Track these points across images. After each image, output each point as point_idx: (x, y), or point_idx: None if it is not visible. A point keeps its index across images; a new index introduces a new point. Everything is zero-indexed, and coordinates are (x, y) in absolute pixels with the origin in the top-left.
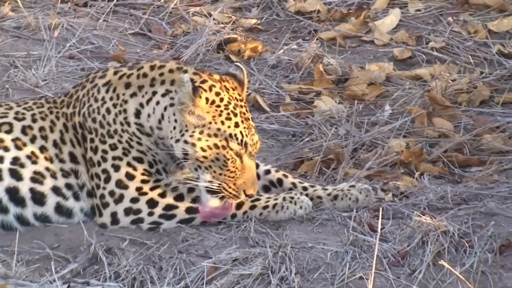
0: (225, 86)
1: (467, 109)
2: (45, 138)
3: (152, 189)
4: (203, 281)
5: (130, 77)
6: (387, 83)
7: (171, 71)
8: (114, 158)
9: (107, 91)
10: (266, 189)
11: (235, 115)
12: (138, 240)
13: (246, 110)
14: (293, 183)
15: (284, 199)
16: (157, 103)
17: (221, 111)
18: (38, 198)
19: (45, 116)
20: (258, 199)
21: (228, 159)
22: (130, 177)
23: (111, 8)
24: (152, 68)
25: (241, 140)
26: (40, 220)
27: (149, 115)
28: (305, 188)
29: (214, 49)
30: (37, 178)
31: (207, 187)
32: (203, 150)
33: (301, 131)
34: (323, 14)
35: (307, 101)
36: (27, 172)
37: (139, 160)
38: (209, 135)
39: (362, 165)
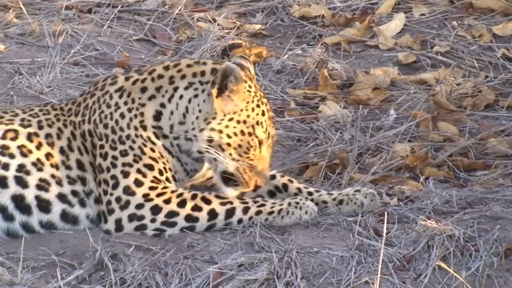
0: (248, 75)
1: (472, 113)
2: (51, 145)
3: (158, 195)
4: (208, 287)
5: (144, 82)
6: (392, 87)
7: (189, 65)
8: (124, 164)
9: (120, 97)
10: (271, 194)
11: (263, 103)
12: (143, 246)
13: (267, 101)
14: (298, 188)
15: (289, 204)
16: (181, 97)
17: (253, 97)
18: (44, 206)
19: (52, 123)
20: (263, 205)
21: (252, 146)
22: (139, 183)
23: (115, 14)
24: (166, 68)
25: (266, 129)
26: (46, 227)
27: (171, 112)
28: (310, 193)
29: (219, 54)
30: (42, 185)
31: (222, 177)
32: (229, 136)
33: (306, 136)
34: (327, 19)
35: (312, 106)
36: (32, 180)
37: (150, 167)
38: (238, 122)
39: (367, 170)
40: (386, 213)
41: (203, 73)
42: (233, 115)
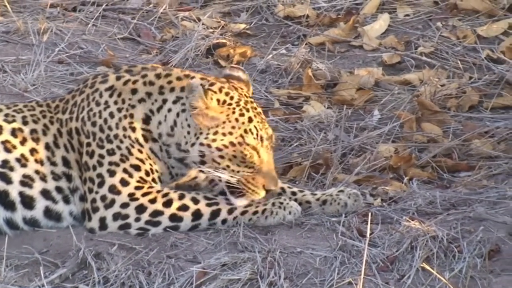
0: (233, 85)
1: (456, 114)
2: (36, 140)
3: (144, 195)
4: (192, 286)
5: (136, 83)
6: (376, 88)
7: (178, 78)
8: (110, 163)
9: (110, 96)
10: None
11: (247, 110)
12: (127, 245)
13: (257, 106)
14: (282, 188)
15: (273, 204)
16: (169, 110)
17: (234, 108)
18: (28, 202)
19: (37, 119)
20: (249, 205)
21: (246, 155)
22: (125, 183)
23: (100, 13)
24: (158, 76)
25: (257, 134)
26: (30, 224)
27: (160, 122)
28: (294, 193)
29: (203, 54)
30: (26, 181)
31: (228, 186)
32: (219, 149)
33: (290, 136)
34: (312, 19)
35: (296, 106)
36: (16, 176)
37: (136, 168)
38: (223, 134)
39: (351, 170)
40: (369, 213)
41: None
42: (216, 129)
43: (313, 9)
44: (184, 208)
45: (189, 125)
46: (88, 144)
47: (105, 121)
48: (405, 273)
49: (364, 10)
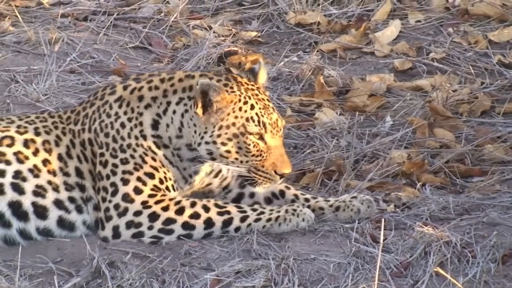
0: (232, 76)
1: (468, 120)
2: (48, 151)
3: (157, 202)
4: None
5: (141, 90)
6: (388, 94)
7: (180, 80)
8: (124, 172)
9: (120, 106)
10: (269, 201)
11: (248, 97)
12: (140, 253)
13: (260, 92)
14: (295, 195)
15: (286, 211)
16: (174, 112)
17: (239, 96)
18: (41, 212)
19: (50, 130)
20: (263, 212)
21: (249, 144)
22: (138, 191)
23: (111, 22)
24: (162, 81)
25: (259, 121)
26: (43, 234)
27: (167, 125)
28: (307, 200)
29: (215, 62)
30: (39, 191)
31: (240, 176)
32: (224, 144)
33: (302, 143)
34: (323, 26)
35: (308, 113)
36: (29, 186)
37: (151, 176)
38: (227, 127)
39: (363, 177)
40: (383, 219)
41: (190, 88)
42: (221, 123)
43: (324, 16)
44: (196, 216)
45: (194, 125)
46: (102, 154)
47: (118, 131)
48: (419, 279)
49: (375, 16)
